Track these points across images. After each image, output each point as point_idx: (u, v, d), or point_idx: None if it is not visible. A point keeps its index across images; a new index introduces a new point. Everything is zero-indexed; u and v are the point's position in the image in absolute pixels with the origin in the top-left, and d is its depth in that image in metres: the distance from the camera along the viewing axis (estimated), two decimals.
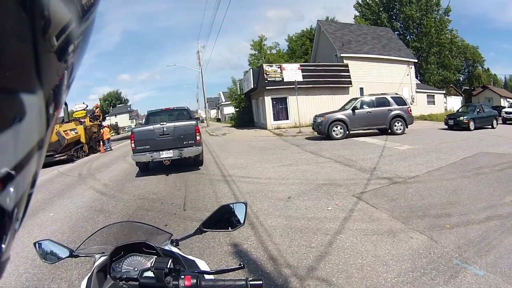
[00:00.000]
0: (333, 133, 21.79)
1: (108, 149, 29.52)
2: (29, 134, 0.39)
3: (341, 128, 21.94)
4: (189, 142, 13.40)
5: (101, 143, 29.61)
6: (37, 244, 2.10)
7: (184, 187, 10.79)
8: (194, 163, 14.50)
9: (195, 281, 1.52)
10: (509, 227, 6.15)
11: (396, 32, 54.81)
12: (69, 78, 0.47)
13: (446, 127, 26.65)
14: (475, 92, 69.11)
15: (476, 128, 25.11)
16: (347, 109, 23.13)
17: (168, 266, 1.55)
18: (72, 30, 0.42)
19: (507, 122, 31.97)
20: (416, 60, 43.79)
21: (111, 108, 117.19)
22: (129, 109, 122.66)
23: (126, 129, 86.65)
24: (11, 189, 0.37)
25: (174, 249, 2.14)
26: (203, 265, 2.18)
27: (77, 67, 0.48)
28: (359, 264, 5.06)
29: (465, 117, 25.57)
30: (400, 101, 23.63)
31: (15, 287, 5.12)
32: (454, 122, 26.04)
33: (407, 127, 23.29)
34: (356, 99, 24.36)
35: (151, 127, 13.59)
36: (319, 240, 6.06)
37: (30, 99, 0.37)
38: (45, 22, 0.37)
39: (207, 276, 1.74)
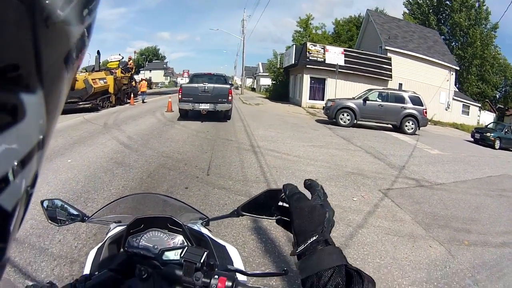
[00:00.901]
0: (340, 120, 21.71)
1: (142, 101, 30.67)
2: (29, 134, 0.38)
3: (348, 116, 21.76)
4: (223, 100, 18.04)
5: (132, 95, 29.65)
6: (45, 202, 1.82)
7: (210, 151, 10.75)
8: (224, 116, 18.99)
9: (230, 284, 1.30)
10: None
11: (442, 37, 53.55)
12: (70, 73, 0.45)
13: (472, 140, 26.01)
14: (509, 112, 67.74)
15: (501, 148, 24.45)
16: (358, 99, 22.92)
17: (201, 261, 1.30)
18: (73, 29, 0.42)
19: None
20: (458, 68, 42.79)
21: (146, 62, 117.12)
22: (165, 66, 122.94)
23: (159, 85, 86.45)
24: (11, 190, 0.37)
25: (204, 230, 1.95)
26: (233, 253, 1.94)
27: (78, 65, 0.48)
28: (377, 264, 5.03)
29: (492, 134, 24.92)
30: (416, 100, 22.83)
31: (18, 234, 5.13)
32: (480, 137, 25.39)
33: (419, 128, 22.62)
34: (371, 90, 23.99)
35: (195, 84, 18.43)
36: (341, 230, 6.00)
37: (30, 99, 0.37)
38: (45, 20, 0.37)
39: (240, 277, 1.53)
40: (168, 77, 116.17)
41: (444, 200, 8.63)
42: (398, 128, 22.42)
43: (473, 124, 40.65)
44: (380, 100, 22.57)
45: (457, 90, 46.94)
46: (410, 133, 21.90)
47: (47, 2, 0.36)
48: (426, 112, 22.77)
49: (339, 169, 10.23)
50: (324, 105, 23.34)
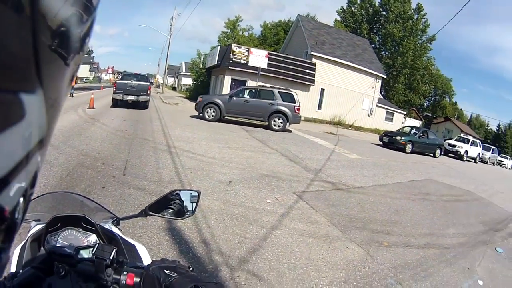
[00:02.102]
0: (206, 114, 22.51)
1: (71, 95, 30.54)
2: (29, 134, 0.39)
3: (214, 111, 22.48)
4: (144, 93, 23.96)
5: None
6: None
7: (127, 151, 10.50)
8: (143, 106, 24.34)
9: (138, 280, 1.34)
10: (449, 259, 6.22)
11: (372, 45, 55.68)
12: (71, 75, 0.46)
13: (381, 143, 26.50)
14: (437, 120, 71.20)
15: (413, 152, 25.16)
16: (225, 95, 24.47)
17: (111, 257, 1.34)
18: (73, 28, 0.42)
19: (448, 154, 32.96)
20: (384, 76, 44.79)
21: None
22: (91, 60, 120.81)
23: (84, 80, 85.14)
24: (12, 190, 0.37)
25: (115, 229, 1.98)
26: (143, 251, 1.97)
27: (79, 64, 0.47)
28: (292, 265, 4.95)
29: (402, 138, 25.34)
30: (287, 97, 22.97)
31: None
32: (389, 140, 25.82)
33: (288, 126, 22.85)
34: (246, 87, 25.01)
35: (125, 81, 24.27)
36: (254, 231, 5.93)
37: (30, 99, 0.37)
38: (45, 21, 0.37)
39: None
40: (93, 72, 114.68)
41: (361, 203, 8.71)
42: (267, 124, 22.78)
43: None
44: (248, 96, 23.18)
45: (381, 97, 48.71)
46: (277, 129, 22.19)
47: (47, 3, 0.37)
48: (298, 109, 22.79)
49: (254, 171, 10.14)
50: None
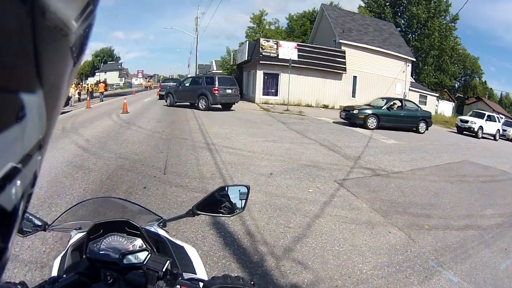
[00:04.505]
0: (166, 101, 28.78)
1: (101, 100, 34.98)
2: (29, 134, 0.39)
3: (169, 98, 28.28)
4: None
5: (88, 98, 31.70)
6: None
7: (166, 151, 10.68)
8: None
9: None
10: (487, 240, 6.21)
11: (398, 29, 54.59)
12: (70, 74, 0.46)
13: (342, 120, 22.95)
14: (469, 101, 69.50)
15: (381, 128, 21.36)
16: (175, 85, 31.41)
17: (164, 269, 1.33)
18: (74, 28, 0.42)
19: (463, 132, 29.19)
20: (414, 59, 43.65)
21: (102, 64, 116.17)
22: (119, 67, 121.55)
23: (114, 86, 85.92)
24: (11, 189, 0.37)
25: (161, 232, 1.99)
26: (192, 253, 2.00)
27: (79, 63, 0.48)
28: (336, 251, 5.06)
29: (360, 111, 21.81)
30: (209, 80, 25.90)
31: None
32: (346, 116, 22.49)
33: (210, 105, 25.16)
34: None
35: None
36: (297, 221, 6.05)
37: (30, 99, 0.37)
38: (45, 21, 0.37)
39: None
40: (123, 78, 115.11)
41: (401, 188, 8.76)
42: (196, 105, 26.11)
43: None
44: (188, 84, 27.89)
45: (413, 81, 47.88)
46: (202, 109, 25.01)
47: (47, 4, 0.37)
48: (215, 90, 24.87)
49: (294, 162, 10.23)
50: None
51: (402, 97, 32.00)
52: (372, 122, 21.40)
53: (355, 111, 21.72)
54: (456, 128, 30.11)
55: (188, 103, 26.75)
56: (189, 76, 32.27)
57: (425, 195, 8.39)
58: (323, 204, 6.98)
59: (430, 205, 7.70)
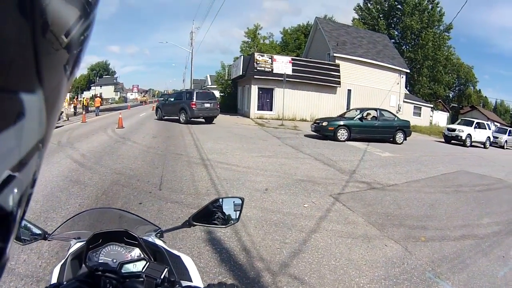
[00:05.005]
0: (156, 115, 31.49)
1: (96, 114, 36.29)
2: (29, 134, 0.39)
3: (158, 113, 31.07)
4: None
5: (83, 112, 32.90)
6: None
7: (161, 166, 10.69)
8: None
9: None
10: (484, 249, 6.20)
11: (392, 40, 55.09)
12: (70, 75, 0.46)
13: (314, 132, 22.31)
14: (463, 110, 69.88)
15: (353, 140, 20.96)
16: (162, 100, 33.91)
17: (162, 277, 1.38)
18: (74, 29, 0.42)
19: (451, 141, 28.86)
20: (408, 71, 44.10)
21: (97, 78, 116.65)
22: (115, 81, 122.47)
23: (110, 101, 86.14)
24: (11, 190, 0.37)
25: (158, 242, 2.03)
26: (189, 263, 2.00)
27: (79, 64, 0.48)
28: (332, 266, 5.05)
29: (330, 123, 21.28)
30: (188, 96, 27.64)
31: None
32: (315, 128, 21.94)
33: (189, 119, 26.69)
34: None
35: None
36: (293, 236, 6.04)
37: (30, 99, 0.37)
38: (45, 22, 0.37)
39: None
40: (118, 93, 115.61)
41: (397, 200, 8.77)
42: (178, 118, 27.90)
43: (425, 125, 41.83)
44: (173, 99, 29.72)
45: (407, 92, 48.16)
46: (182, 122, 26.55)
47: (47, 6, 0.37)
48: (193, 104, 26.52)
49: (289, 177, 10.25)
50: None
51: (396, 109, 32.18)
52: (342, 134, 21.06)
53: (324, 123, 21.31)
54: (443, 137, 30.07)
55: (177, 117, 27.96)
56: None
57: (421, 207, 8.40)
58: (318, 219, 6.97)
59: (426, 217, 7.70)
